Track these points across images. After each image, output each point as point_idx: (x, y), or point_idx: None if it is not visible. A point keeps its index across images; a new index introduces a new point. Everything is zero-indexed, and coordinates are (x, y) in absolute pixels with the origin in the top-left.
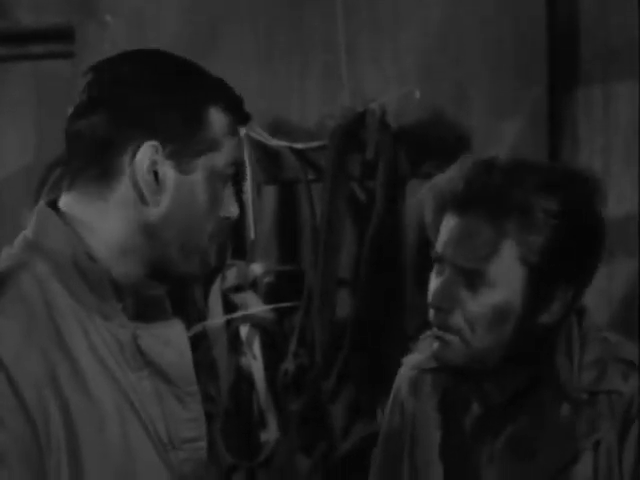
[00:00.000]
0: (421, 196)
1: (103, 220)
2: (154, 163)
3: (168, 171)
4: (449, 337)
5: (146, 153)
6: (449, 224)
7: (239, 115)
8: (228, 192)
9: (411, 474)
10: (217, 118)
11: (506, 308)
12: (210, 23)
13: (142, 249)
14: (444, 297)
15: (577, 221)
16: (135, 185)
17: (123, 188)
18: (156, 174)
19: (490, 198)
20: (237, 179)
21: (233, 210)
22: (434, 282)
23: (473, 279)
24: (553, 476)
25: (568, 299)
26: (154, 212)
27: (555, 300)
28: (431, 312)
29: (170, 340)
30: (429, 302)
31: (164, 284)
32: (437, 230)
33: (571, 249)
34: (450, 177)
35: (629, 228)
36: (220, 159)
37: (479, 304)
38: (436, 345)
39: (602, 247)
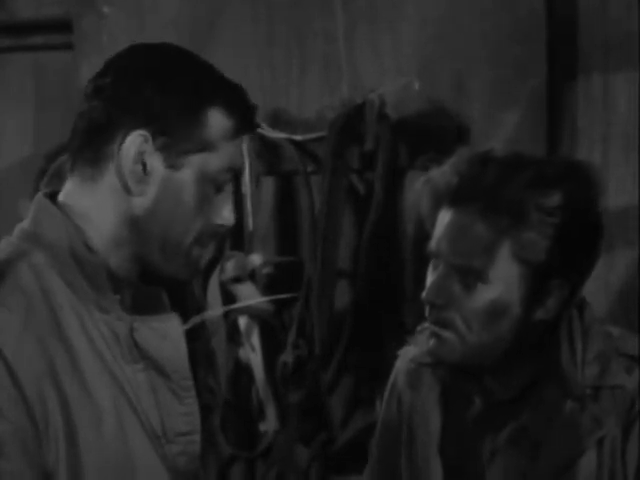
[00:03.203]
0: (417, 190)
1: (97, 210)
2: (142, 153)
3: (156, 163)
4: (445, 334)
5: (134, 142)
6: (444, 220)
7: (245, 122)
8: (223, 198)
9: (410, 467)
10: (217, 120)
11: (501, 305)
12: (209, 14)
13: (129, 243)
14: (438, 293)
15: (574, 218)
16: (119, 173)
17: (110, 175)
18: (144, 165)
19: (483, 194)
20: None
21: (227, 217)
22: (429, 278)
23: (467, 276)
24: (557, 472)
25: (565, 295)
26: (138, 203)
27: (551, 296)
28: (426, 308)
29: (166, 334)
30: (423, 298)
31: (153, 285)
32: (434, 225)
33: (567, 246)
34: (445, 171)
35: (628, 219)
36: (214, 162)
37: (474, 301)
38: (432, 342)
39: (600, 244)
